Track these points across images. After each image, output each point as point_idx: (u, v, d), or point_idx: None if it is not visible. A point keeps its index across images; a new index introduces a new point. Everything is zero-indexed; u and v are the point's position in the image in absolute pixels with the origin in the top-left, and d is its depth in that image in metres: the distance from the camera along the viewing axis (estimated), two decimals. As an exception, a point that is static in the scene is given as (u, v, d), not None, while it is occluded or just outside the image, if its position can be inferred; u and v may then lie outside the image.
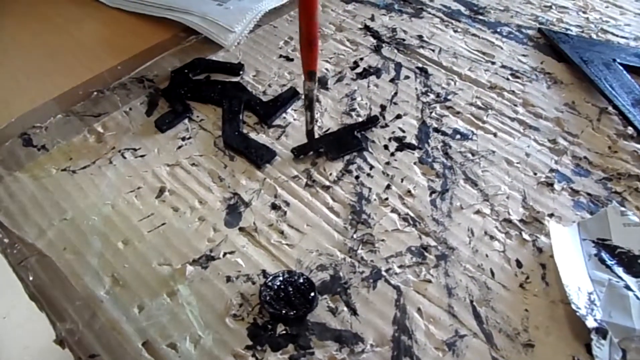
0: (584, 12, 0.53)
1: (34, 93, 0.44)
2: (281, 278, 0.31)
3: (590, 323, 0.29)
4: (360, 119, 0.41)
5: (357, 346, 0.29)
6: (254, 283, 0.31)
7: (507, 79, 0.45)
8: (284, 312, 0.29)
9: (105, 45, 0.49)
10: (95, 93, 0.44)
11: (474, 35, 0.50)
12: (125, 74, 0.46)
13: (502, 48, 0.48)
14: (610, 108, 0.42)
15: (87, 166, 0.38)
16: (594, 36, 0.50)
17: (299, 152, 0.38)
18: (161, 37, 0.50)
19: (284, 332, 0.29)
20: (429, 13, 0.53)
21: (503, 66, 0.46)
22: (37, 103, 0.43)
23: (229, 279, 0.32)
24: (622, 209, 0.34)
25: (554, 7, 0.54)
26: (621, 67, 0.45)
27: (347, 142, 0.39)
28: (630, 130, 0.41)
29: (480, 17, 0.52)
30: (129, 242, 0.33)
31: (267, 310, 0.29)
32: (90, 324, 0.30)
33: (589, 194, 0.36)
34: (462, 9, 0.54)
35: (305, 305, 0.30)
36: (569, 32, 0.50)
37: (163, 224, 0.34)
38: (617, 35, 0.50)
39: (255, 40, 0.49)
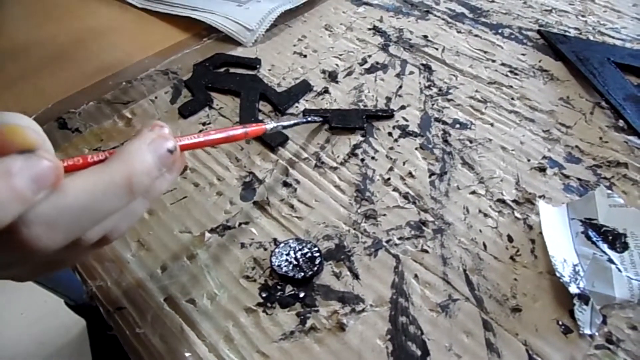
0: (583, 16, 0.56)
1: (68, 83, 0.48)
2: (291, 245, 0.34)
3: (573, 289, 0.31)
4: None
5: (357, 306, 0.32)
6: (265, 249, 0.34)
7: (506, 75, 0.48)
8: (292, 274, 0.32)
9: (133, 42, 0.54)
10: (124, 83, 0.48)
11: (476, 35, 0.53)
12: (152, 67, 0.50)
13: (502, 47, 0.51)
14: (603, 103, 0.45)
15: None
16: (592, 38, 0.53)
17: (308, 112, 0.43)
18: (185, 34, 0.54)
19: (292, 292, 0.32)
20: (435, 15, 0.56)
21: (503, 64, 0.49)
22: (71, 92, 0.47)
23: (243, 245, 0.35)
24: (609, 191, 0.37)
25: (554, 10, 0.57)
26: (615, 66, 0.47)
27: (352, 120, 0.42)
28: (621, 122, 0.43)
29: (483, 19, 0.56)
30: (154, 213, 0.37)
31: (277, 272, 0.33)
32: (117, 281, 0.33)
33: (579, 179, 0.39)
34: (466, 11, 0.57)
35: (311, 268, 0.33)
36: (567, 33, 0.53)
37: (184, 197, 0.38)
38: (613, 37, 0.53)
39: (271, 38, 0.53)
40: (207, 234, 0.35)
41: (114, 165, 0.20)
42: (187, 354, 0.30)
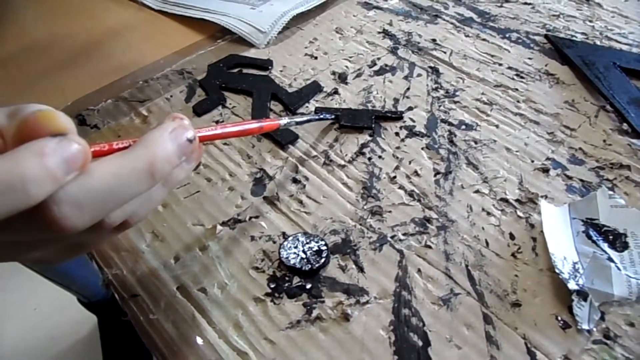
0: (590, 21, 0.57)
1: (87, 81, 0.50)
2: (299, 238, 0.35)
3: (572, 286, 0.32)
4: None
5: (362, 297, 0.33)
6: (274, 242, 0.36)
7: (512, 78, 0.49)
8: (299, 266, 0.34)
9: (150, 43, 0.56)
10: (141, 82, 0.50)
11: (484, 39, 0.54)
12: (167, 67, 0.51)
13: (509, 51, 0.52)
14: (607, 106, 0.46)
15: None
16: (598, 42, 0.53)
17: (320, 110, 0.45)
18: (200, 36, 0.56)
19: (299, 283, 0.34)
20: (444, 19, 0.57)
21: (509, 67, 0.50)
22: (90, 90, 0.49)
23: (253, 238, 0.36)
24: (611, 192, 0.37)
25: (561, 16, 0.58)
26: (620, 70, 0.48)
27: (361, 119, 0.44)
28: (625, 126, 0.44)
29: (491, 23, 0.57)
30: (168, 206, 0.38)
31: (285, 264, 0.34)
32: (132, 270, 0.35)
33: (581, 180, 0.40)
34: (475, 16, 0.58)
35: (318, 261, 0.34)
36: (574, 38, 0.54)
37: (197, 192, 0.39)
38: (620, 42, 0.53)
39: (283, 40, 0.55)
40: (219, 227, 0.37)
41: (138, 152, 0.21)
42: (198, 340, 0.31)
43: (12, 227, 0.19)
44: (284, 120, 0.35)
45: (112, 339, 1.12)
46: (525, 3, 0.60)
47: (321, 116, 0.43)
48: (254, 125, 0.31)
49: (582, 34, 0.55)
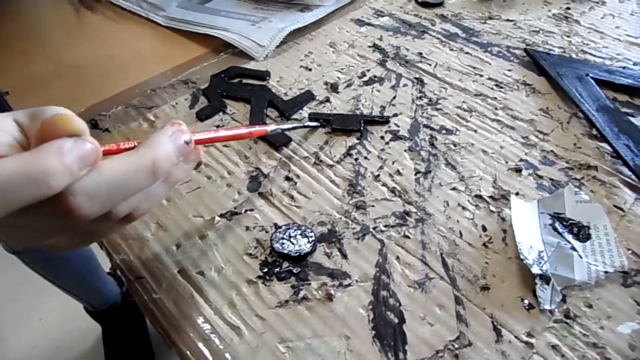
0: (568, 36, 0.61)
1: (100, 91, 0.55)
2: (289, 228, 0.39)
3: (535, 270, 0.36)
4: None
5: (345, 280, 0.36)
6: (267, 232, 0.39)
7: (492, 88, 0.53)
8: (288, 252, 0.37)
9: (158, 55, 0.60)
10: (149, 91, 0.54)
11: (467, 53, 0.58)
12: (173, 77, 0.56)
13: (490, 64, 0.56)
14: (579, 113, 0.49)
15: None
16: (574, 56, 0.57)
17: (313, 116, 0.49)
18: (203, 49, 0.60)
19: (288, 268, 0.37)
20: (430, 35, 0.62)
21: (489, 78, 0.54)
22: (102, 97, 0.54)
23: (247, 228, 0.40)
24: (577, 189, 0.41)
25: (541, 31, 0.62)
26: (592, 80, 0.52)
27: (351, 123, 0.48)
28: (594, 131, 0.47)
29: (475, 38, 0.61)
30: (171, 200, 0.42)
31: (276, 250, 0.37)
32: (138, 255, 0.38)
33: (551, 179, 0.43)
34: (460, 32, 0.62)
35: (306, 248, 0.37)
36: (551, 52, 0.58)
37: (198, 188, 0.43)
38: (594, 56, 0.57)
39: (280, 53, 0.59)
40: (217, 218, 0.40)
41: (142, 151, 0.25)
42: (196, 317, 0.34)
43: (33, 214, 0.22)
44: (271, 127, 0.40)
45: (116, 348, 1.14)
46: (508, 20, 0.64)
47: (306, 124, 0.47)
48: (244, 130, 0.35)
49: (560, 47, 0.59)
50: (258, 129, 0.37)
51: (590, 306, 0.34)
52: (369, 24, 0.64)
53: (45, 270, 0.95)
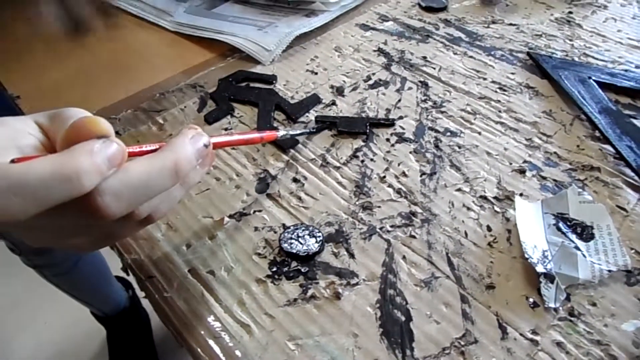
0: (570, 40, 0.62)
1: (110, 94, 0.56)
2: (297, 228, 0.39)
3: (540, 269, 0.36)
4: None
5: (352, 279, 0.37)
6: (275, 232, 0.40)
7: (495, 91, 0.54)
8: (297, 252, 0.38)
9: (166, 60, 0.61)
10: (158, 95, 0.55)
11: (470, 57, 0.59)
12: (182, 81, 0.57)
13: (494, 67, 0.57)
14: (582, 115, 0.50)
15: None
16: (577, 59, 0.58)
17: (321, 120, 0.50)
18: (211, 54, 0.61)
19: (297, 267, 0.38)
20: (434, 39, 0.63)
21: (493, 81, 0.55)
22: (112, 101, 0.55)
23: (256, 228, 0.40)
24: (580, 190, 0.41)
25: (544, 35, 0.63)
26: (595, 83, 0.53)
27: (357, 126, 0.48)
28: (597, 133, 0.48)
29: (478, 42, 0.62)
30: (181, 201, 0.43)
31: (284, 250, 0.38)
32: (149, 255, 0.39)
33: (555, 180, 0.44)
34: (463, 36, 0.63)
35: (314, 248, 0.38)
36: (554, 55, 0.58)
37: (208, 189, 0.44)
38: (597, 59, 0.58)
39: (287, 57, 0.60)
40: (226, 219, 0.41)
41: (165, 153, 0.26)
42: (207, 315, 0.35)
43: (60, 213, 0.22)
44: (281, 133, 0.42)
45: (121, 351, 1.15)
46: (511, 24, 0.65)
47: (312, 129, 0.48)
48: (257, 135, 0.38)
49: (562, 51, 0.59)
50: (269, 134, 0.40)
51: (594, 304, 0.35)
52: (374, 29, 0.65)
53: (63, 282, 0.97)
